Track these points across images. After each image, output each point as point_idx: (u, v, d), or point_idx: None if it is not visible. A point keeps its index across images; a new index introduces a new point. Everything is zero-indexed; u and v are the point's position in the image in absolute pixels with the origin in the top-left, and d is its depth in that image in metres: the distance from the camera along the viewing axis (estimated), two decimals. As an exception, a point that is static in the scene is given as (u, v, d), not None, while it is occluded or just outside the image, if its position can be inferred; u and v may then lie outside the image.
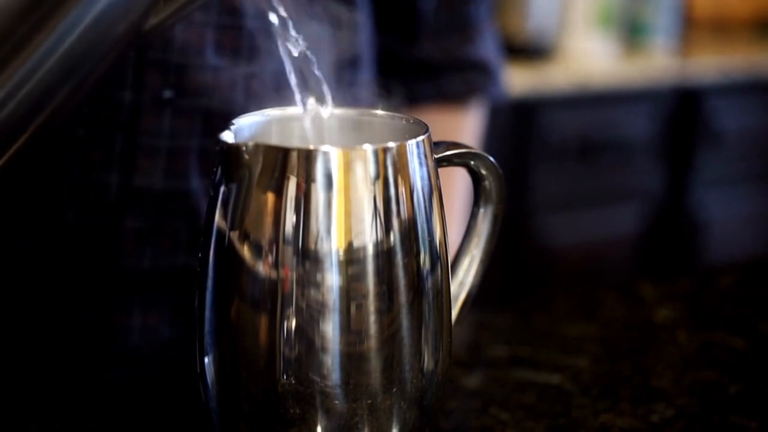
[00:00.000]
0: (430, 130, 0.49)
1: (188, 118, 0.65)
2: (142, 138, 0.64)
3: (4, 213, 0.65)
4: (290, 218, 0.45)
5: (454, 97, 0.82)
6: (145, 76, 0.63)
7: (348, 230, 0.46)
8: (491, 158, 0.53)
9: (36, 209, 0.65)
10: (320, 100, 0.51)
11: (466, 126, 0.84)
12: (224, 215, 0.47)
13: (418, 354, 0.48)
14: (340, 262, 0.46)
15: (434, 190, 0.49)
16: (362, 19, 0.73)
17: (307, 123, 0.51)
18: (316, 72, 0.49)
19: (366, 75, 0.74)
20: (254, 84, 0.65)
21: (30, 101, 0.46)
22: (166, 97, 0.64)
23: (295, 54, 0.50)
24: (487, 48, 0.82)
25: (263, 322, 0.46)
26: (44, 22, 0.45)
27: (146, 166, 0.64)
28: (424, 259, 0.48)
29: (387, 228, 0.46)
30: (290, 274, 0.46)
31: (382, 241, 0.46)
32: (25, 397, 0.66)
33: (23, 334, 0.68)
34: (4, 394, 0.67)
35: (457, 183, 0.80)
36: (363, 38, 0.73)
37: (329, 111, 0.53)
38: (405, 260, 0.47)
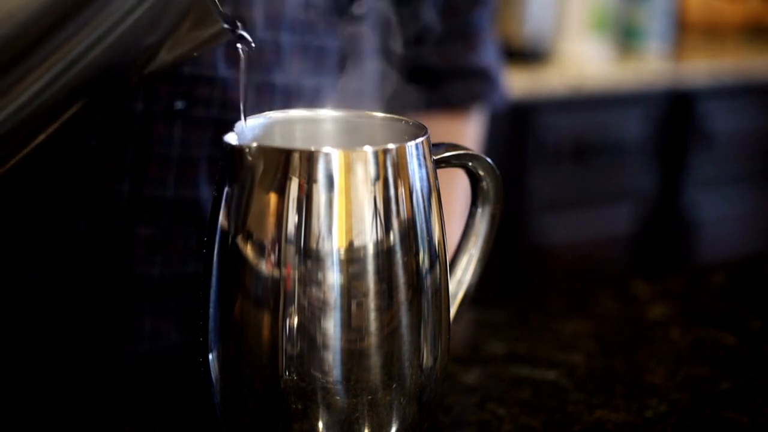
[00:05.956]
0: (429, 132, 0.50)
1: (198, 128, 0.65)
2: (153, 147, 0.64)
3: (18, 221, 0.66)
4: (292, 218, 0.46)
5: (456, 104, 0.81)
6: (156, 87, 0.63)
7: (349, 230, 0.46)
8: (489, 159, 0.53)
9: (49, 217, 0.65)
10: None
11: (468, 132, 0.84)
12: (228, 215, 0.47)
13: (417, 351, 0.49)
14: (341, 261, 0.46)
15: (433, 190, 0.49)
16: (367, 28, 0.74)
17: (248, 129, 0.51)
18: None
19: (368, 81, 0.75)
20: (264, 95, 0.66)
21: (22, 132, 0.46)
22: (177, 108, 0.64)
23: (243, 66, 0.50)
24: (489, 55, 0.82)
25: (266, 319, 0.47)
26: (44, 60, 0.45)
27: (157, 175, 0.65)
28: (423, 258, 0.48)
29: (387, 228, 0.47)
30: (292, 272, 0.46)
31: (382, 241, 0.47)
32: (35, 400, 0.67)
33: (35, 339, 0.68)
34: (15, 397, 0.67)
35: (457, 184, 0.81)
36: (368, 46, 0.74)
37: (330, 114, 0.54)
38: (404, 259, 0.47)
